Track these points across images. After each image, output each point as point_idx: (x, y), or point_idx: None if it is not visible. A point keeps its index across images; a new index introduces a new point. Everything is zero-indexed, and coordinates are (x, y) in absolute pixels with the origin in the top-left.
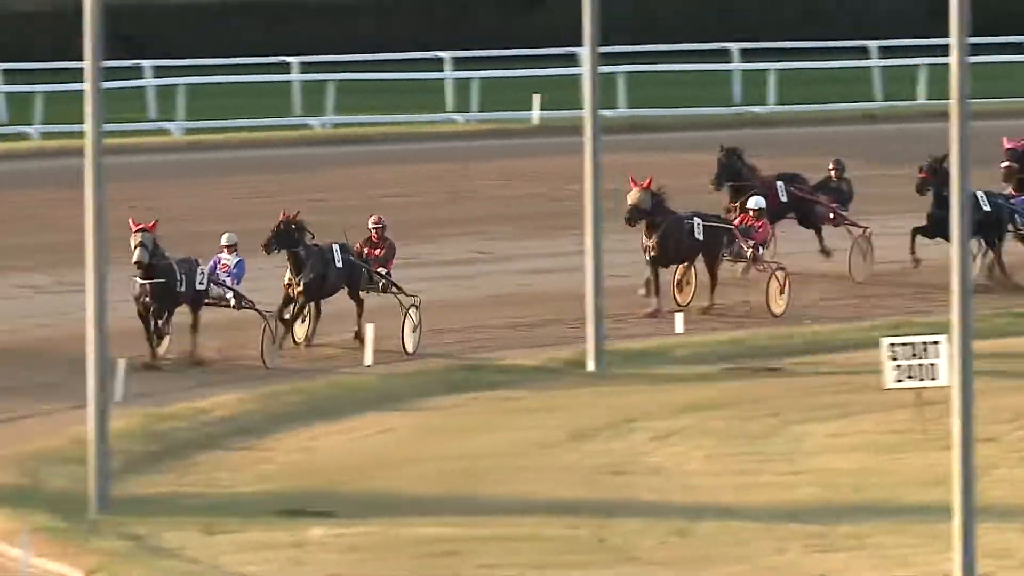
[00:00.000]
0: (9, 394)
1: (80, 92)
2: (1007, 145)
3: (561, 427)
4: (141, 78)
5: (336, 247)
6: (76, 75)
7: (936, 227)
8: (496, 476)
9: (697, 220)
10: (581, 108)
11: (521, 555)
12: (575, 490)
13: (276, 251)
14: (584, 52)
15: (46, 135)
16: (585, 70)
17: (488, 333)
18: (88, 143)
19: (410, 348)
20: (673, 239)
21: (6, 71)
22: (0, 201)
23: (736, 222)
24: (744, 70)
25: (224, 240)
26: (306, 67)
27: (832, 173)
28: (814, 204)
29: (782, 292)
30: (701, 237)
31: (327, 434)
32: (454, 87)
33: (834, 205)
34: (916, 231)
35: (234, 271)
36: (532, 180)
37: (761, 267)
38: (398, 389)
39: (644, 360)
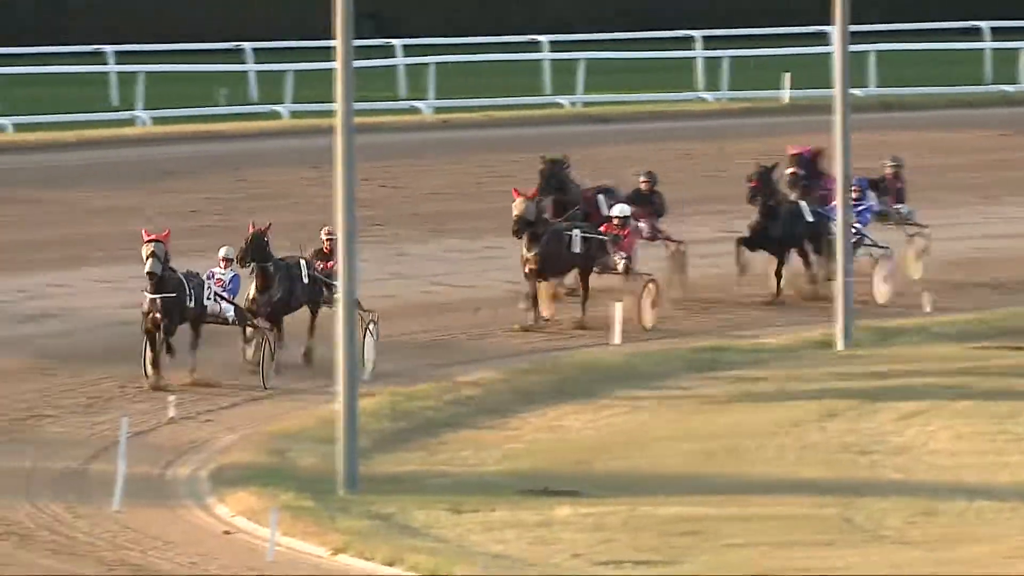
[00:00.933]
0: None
1: (330, 71)
2: (792, 151)
3: (807, 407)
4: (391, 57)
5: (303, 262)
6: (325, 54)
7: (760, 237)
8: (741, 455)
9: (576, 232)
10: (831, 87)
11: (766, 534)
12: (820, 469)
13: (250, 264)
14: (834, 31)
15: (296, 114)
16: (835, 48)
17: (736, 313)
18: (339, 122)
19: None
20: (554, 251)
21: (256, 50)
22: (250, 179)
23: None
24: (995, 49)
25: (222, 253)
26: (556, 46)
27: (642, 185)
28: (636, 218)
29: (654, 305)
30: (578, 249)
31: (573, 413)
32: (704, 65)
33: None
34: (741, 242)
35: (229, 287)
36: (784, 159)
37: (634, 279)
38: (644, 368)
39: (892, 339)
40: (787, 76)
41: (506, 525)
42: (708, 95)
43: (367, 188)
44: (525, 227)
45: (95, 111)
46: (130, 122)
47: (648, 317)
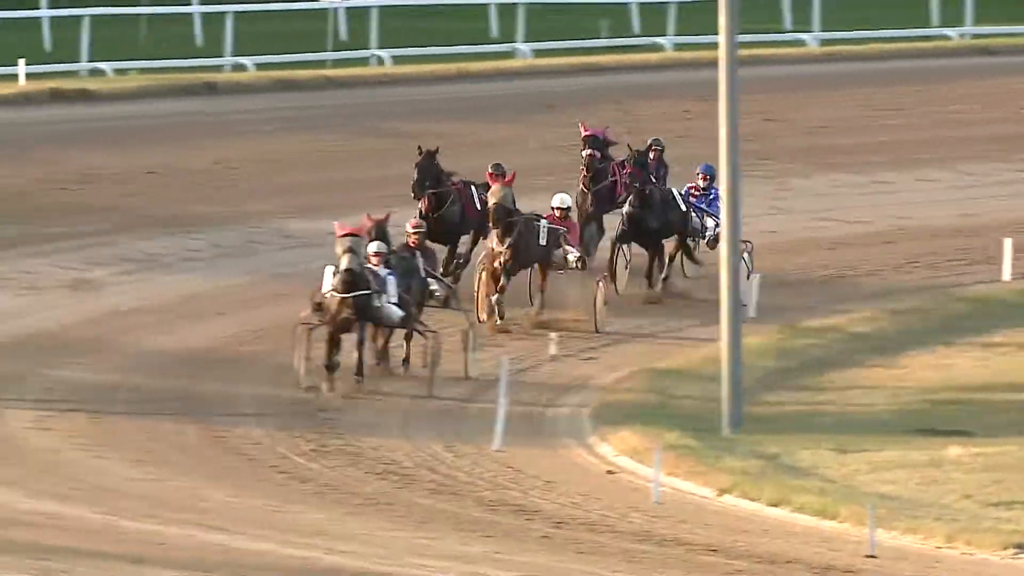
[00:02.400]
0: (643, 313)
1: (713, 3)
2: (584, 132)
3: None
4: None
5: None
6: None
7: (635, 229)
8: None
9: (543, 222)
10: None
11: None
12: None
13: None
14: None
15: (679, 46)
16: None
17: None
18: (722, 55)
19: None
20: (525, 243)
21: None
22: (633, 112)
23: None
24: None
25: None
26: None
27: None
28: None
29: (606, 303)
30: (544, 242)
31: (962, 351)
32: None
33: None
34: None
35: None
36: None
37: (588, 274)
38: None
39: None
40: None
41: (894, 465)
42: None
43: (750, 122)
44: (504, 215)
45: (475, 43)
46: (510, 55)
47: (601, 318)
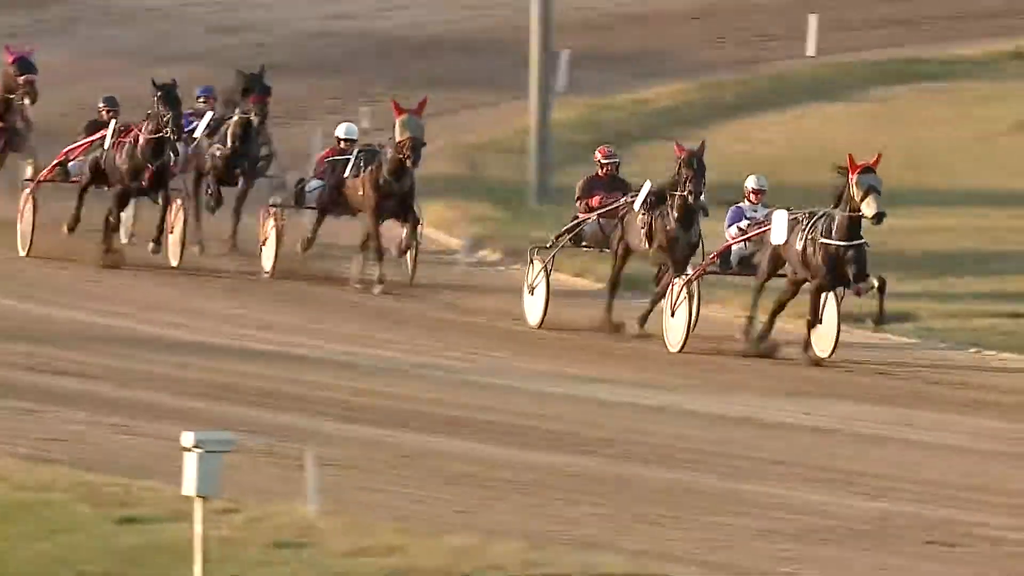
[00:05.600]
0: (454, 86)
1: None
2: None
3: (1003, 119)
4: None
5: None
6: None
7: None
8: (941, 166)
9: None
10: None
11: (969, 240)
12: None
13: None
14: None
15: None
16: None
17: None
18: None
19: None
20: None
21: None
22: None
23: None
24: None
25: (752, 184)
26: None
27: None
28: None
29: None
30: None
31: (767, 125)
32: None
33: None
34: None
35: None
36: None
37: None
38: (838, 79)
39: None
40: None
41: None
42: None
43: None
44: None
45: None
46: None
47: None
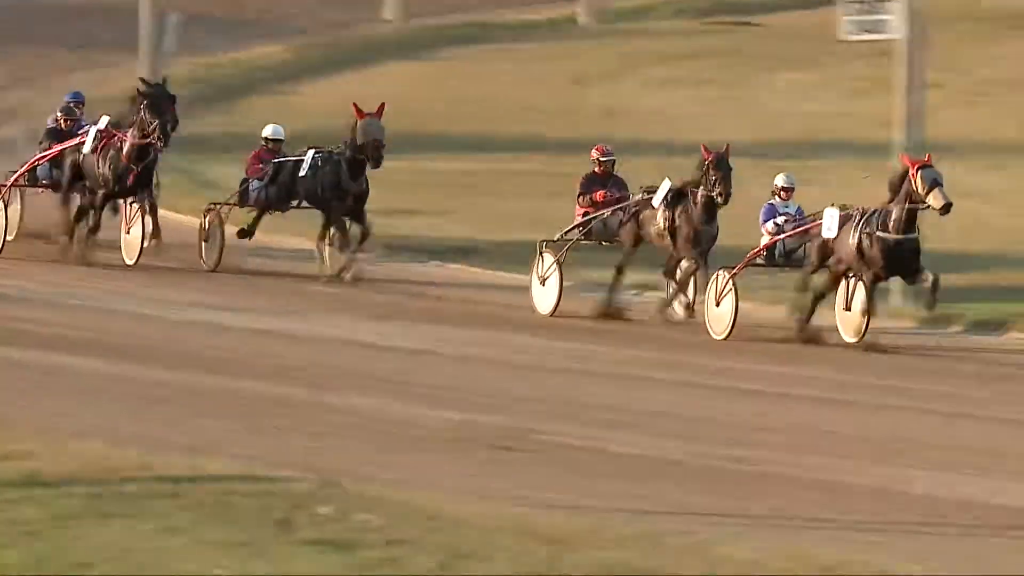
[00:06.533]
0: (78, 49)
1: None
2: None
3: (563, 75)
4: None
5: None
6: None
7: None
8: (509, 117)
9: None
10: None
11: (535, 186)
12: (579, 131)
13: None
14: None
15: None
16: None
17: None
18: None
19: None
20: None
21: None
22: None
23: None
24: None
25: (781, 182)
26: None
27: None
28: None
29: None
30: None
31: (352, 81)
32: None
33: None
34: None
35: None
36: None
37: None
38: (416, 41)
39: (634, 16)
40: None
41: None
42: None
43: None
44: None
45: None
46: None
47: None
